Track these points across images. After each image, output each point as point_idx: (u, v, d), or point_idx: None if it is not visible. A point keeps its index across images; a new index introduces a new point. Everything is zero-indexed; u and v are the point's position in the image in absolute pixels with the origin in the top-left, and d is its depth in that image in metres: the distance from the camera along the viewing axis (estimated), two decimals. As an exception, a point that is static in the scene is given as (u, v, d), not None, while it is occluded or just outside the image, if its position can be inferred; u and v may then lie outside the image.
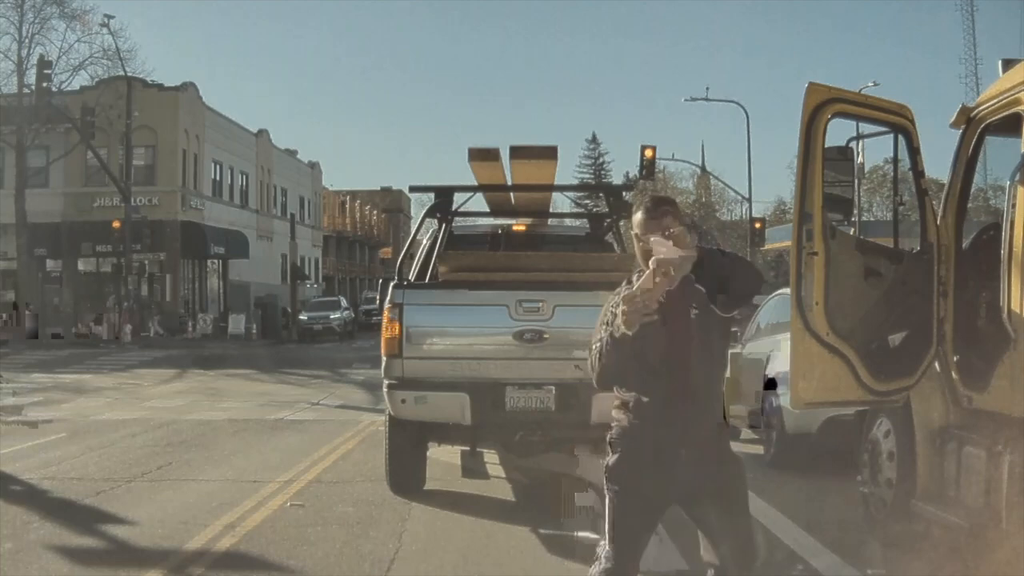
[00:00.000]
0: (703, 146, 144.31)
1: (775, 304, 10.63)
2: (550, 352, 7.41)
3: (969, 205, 6.28)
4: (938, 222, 5.95)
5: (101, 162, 36.40)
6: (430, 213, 9.15)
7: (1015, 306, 5.13)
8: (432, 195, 9.15)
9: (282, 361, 28.22)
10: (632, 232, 3.73)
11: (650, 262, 3.36)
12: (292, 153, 58.69)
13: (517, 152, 8.21)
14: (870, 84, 32.41)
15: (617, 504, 3.69)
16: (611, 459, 3.73)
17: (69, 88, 37.36)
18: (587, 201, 50.30)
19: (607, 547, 3.70)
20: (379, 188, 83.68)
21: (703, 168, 55.80)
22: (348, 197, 72.94)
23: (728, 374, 11.85)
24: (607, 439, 3.78)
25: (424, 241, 9.51)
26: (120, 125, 36.71)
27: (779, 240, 42.98)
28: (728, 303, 3.59)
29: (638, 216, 3.67)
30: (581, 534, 6.13)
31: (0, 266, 39.45)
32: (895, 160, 6.29)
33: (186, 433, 12.32)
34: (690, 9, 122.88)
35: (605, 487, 3.75)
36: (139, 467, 9.65)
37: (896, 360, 5.82)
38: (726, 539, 3.73)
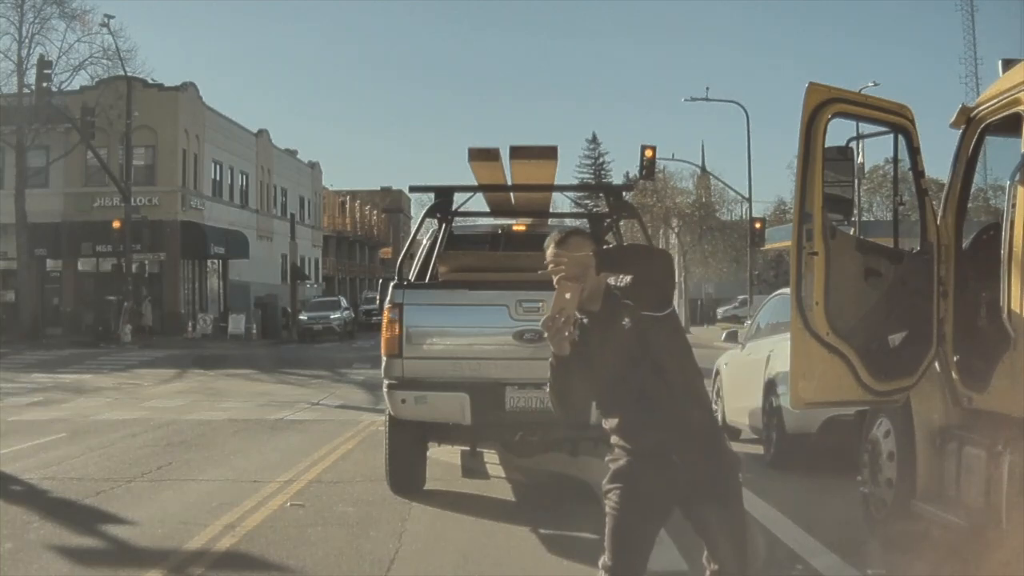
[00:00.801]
0: (703, 146, 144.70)
1: (775, 304, 10.62)
2: (550, 352, 7.39)
3: (969, 205, 6.28)
4: (938, 222, 5.94)
5: (101, 162, 36.38)
6: (430, 213, 9.14)
7: (1015, 306, 5.13)
8: (432, 195, 9.15)
9: (282, 361, 28.22)
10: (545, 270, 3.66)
11: (554, 282, 3.40)
12: (292, 153, 58.67)
13: (517, 152, 8.22)
14: (870, 84, 32.36)
15: (616, 518, 3.66)
16: (607, 478, 3.73)
17: (69, 88, 37.32)
18: (587, 201, 50.32)
19: (608, 561, 3.67)
20: (379, 188, 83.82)
21: (703, 168, 55.79)
22: (348, 197, 72.97)
23: (726, 375, 11.82)
24: (606, 461, 3.78)
25: (424, 241, 9.51)
26: (120, 125, 36.68)
27: (779, 240, 42.97)
28: (648, 298, 3.59)
29: (549, 251, 3.66)
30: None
31: (0, 266, 39.43)
32: (895, 160, 6.30)
33: (186, 433, 12.32)
34: (690, 9, 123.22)
35: (604, 503, 3.73)
36: (139, 467, 9.65)
37: (896, 360, 5.82)
38: (724, 538, 3.73)
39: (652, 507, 3.67)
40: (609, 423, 3.73)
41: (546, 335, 3.47)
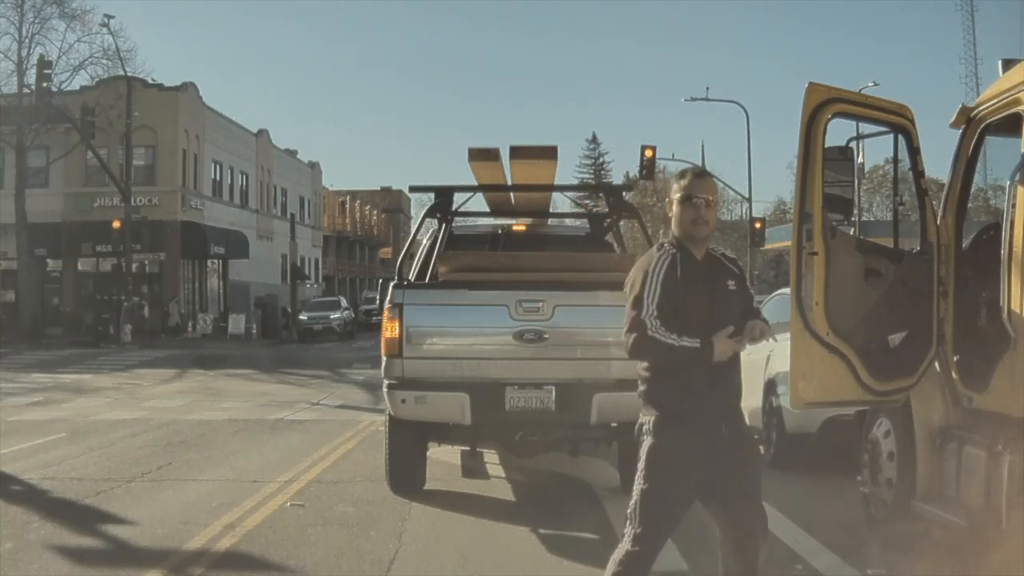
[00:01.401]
0: (703, 146, 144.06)
1: (775, 304, 10.60)
2: (550, 352, 7.40)
3: (969, 205, 6.28)
4: (938, 222, 5.95)
5: (101, 162, 36.38)
6: (430, 213, 9.14)
7: (1015, 306, 5.13)
8: (432, 195, 9.15)
9: (282, 361, 28.21)
10: (673, 196, 3.98)
11: (747, 333, 3.89)
12: (292, 153, 58.66)
13: (517, 152, 8.22)
14: (870, 84, 32.37)
15: (655, 485, 3.75)
16: (652, 441, 3.82)
17: (69, 88, 37.32)
18: (587, 201, 50.36)
19: (635, 530, 3.75)
20: (379, 188, 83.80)
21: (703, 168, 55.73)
22: (348, 197, 72.96)
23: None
24: (644, 425, 3.89)
25: (424, 241, 9.50)
26: (120, 125, 36.68)
27: (779, 240, 42.97)
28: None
29: (686, 180, 3.94)
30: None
31: (0, 266, 39.44)
32: (895, 160, 6.30)
33: (186, 433, 12.32)
34: (690, 9, 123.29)
35: (641, 470, 3.81)
36: (139, 467, 9.65)
37: (896, 360, 5.82)
38: (746, 512, 3.83)
39: (690, 480, 3.80)
40: (668, 380, 3.86)
41: (720, 349, 3.80)
